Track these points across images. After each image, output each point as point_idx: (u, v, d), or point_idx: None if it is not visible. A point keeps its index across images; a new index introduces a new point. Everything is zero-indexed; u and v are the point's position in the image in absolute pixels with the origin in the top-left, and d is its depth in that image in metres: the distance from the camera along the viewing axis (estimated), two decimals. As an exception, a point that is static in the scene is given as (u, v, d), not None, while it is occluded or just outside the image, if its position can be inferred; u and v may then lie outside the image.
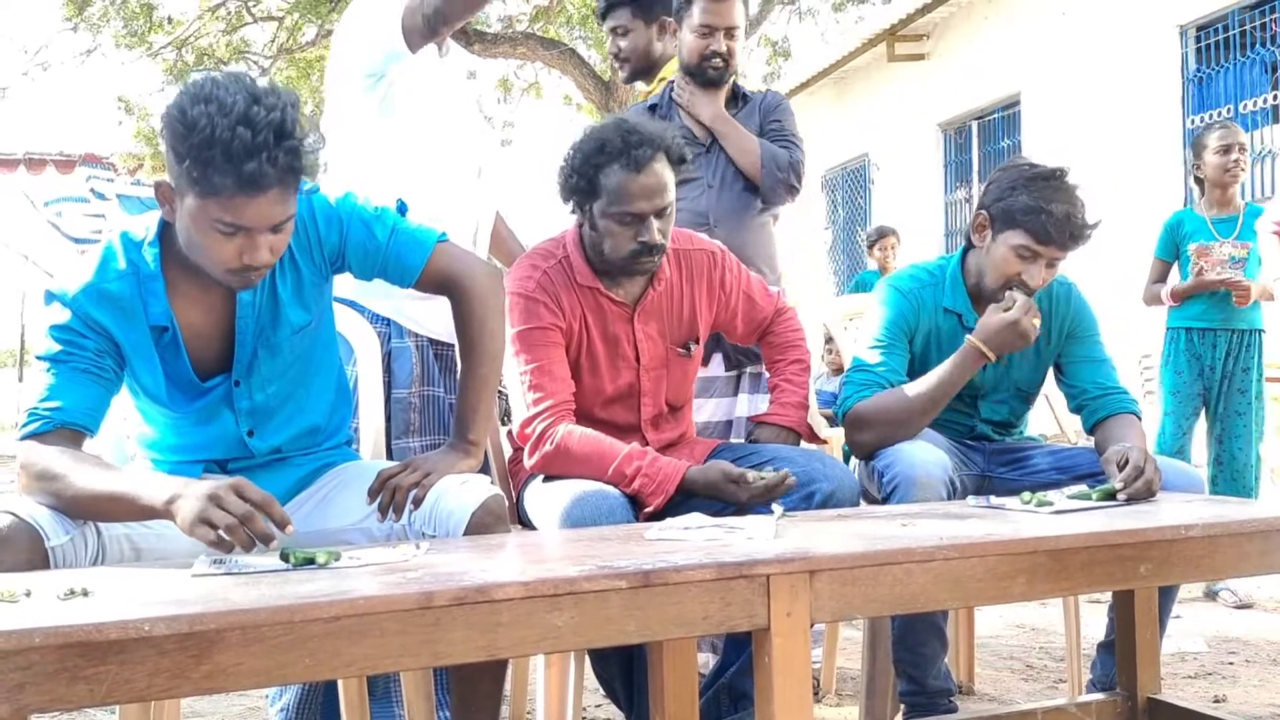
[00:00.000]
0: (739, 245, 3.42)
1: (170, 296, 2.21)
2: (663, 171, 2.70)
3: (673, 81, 3.75)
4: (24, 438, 2.09)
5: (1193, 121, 9.27)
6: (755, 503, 2.47)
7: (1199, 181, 4.98)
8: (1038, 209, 2.77)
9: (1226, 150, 4.81)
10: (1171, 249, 4.97)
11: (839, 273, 15.11)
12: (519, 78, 15.74)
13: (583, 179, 2.71)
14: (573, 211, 2.81)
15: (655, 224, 2.69)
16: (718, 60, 3.59)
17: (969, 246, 3.00)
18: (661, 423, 2.90)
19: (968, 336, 2.80)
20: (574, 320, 2.78)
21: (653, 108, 3.69)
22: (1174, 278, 4.99)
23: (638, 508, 2.58)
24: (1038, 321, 2.74)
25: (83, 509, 2.04)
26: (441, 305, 2.54)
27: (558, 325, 2.75)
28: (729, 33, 3.59)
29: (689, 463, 2.61)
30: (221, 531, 1.87)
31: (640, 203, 2.67)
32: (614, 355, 2.83)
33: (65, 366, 2.13)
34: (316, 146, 2.08)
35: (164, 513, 1.95)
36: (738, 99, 3.72)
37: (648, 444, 2.80)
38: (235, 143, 1.95)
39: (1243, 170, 4.86)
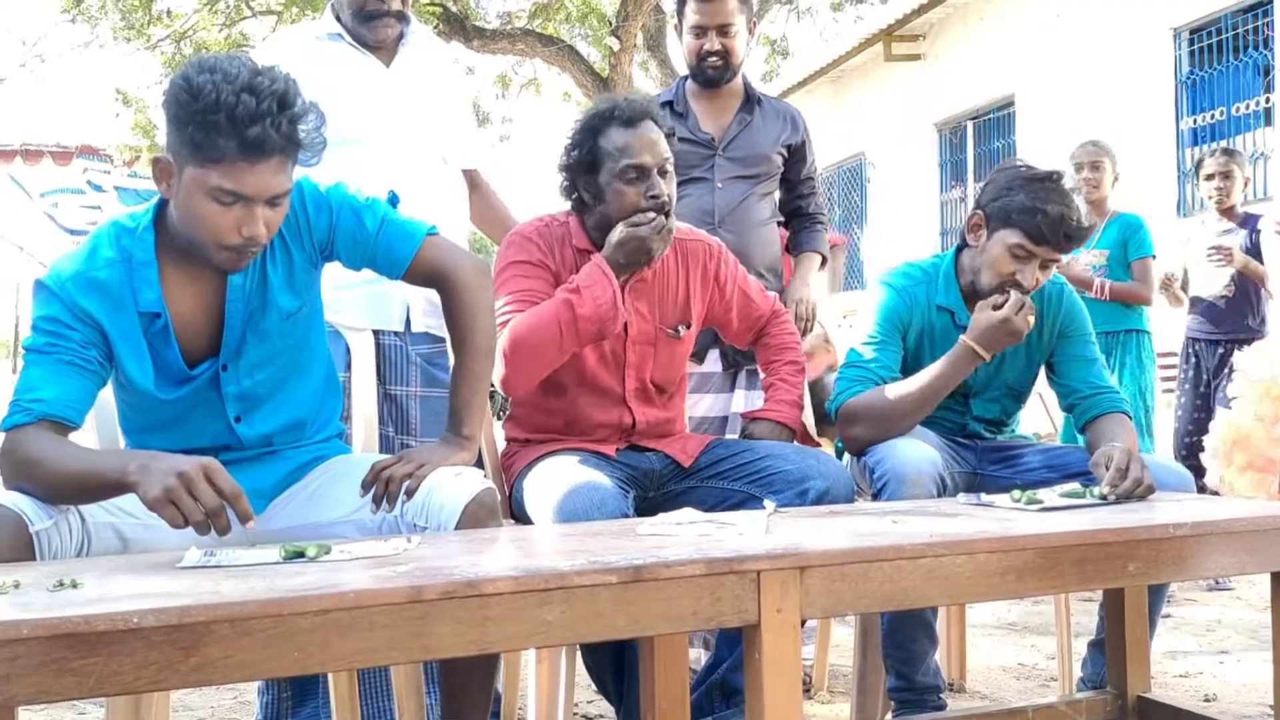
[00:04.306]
0: (744, 245, 3.43)
1: (162, 283, 2.21)
2: (657, 132, 2.76)
3: (686, 77, 3.76)
4: (6, 429, 2.10)
5: (1187, 123, 9.29)
6: None
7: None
8: (1034, 209, 2.79)
9: (1079, 168, 5.13)
10: None
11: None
12: (518, 74, 15.77)
13: (583, 150, 2.76)
14: (575, 207, 2.85)
15: (661, 182, 2.73)
16: (714, 59, 3.61)
17: (963, 245, 3.01)
18: (647, 399, 2.90)
19: (961, 336, 2.81)
20: (564, 273, 2.80)
21: (667, 104, 3.68)
22: None
23: (633, 498, 2.58)
24: (1032, 318, 2.77)
25: (57, 492, 2.04)
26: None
27: (546, 264, 2.79)
28: (722, 30, 3.59)
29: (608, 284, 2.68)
30: (185, 515, 1.86)
31: (645, 155, 2.72)
32: None
33: (50, 358, 2.12)
34: (317, 124, 2.11)
35: (127, 484, 1.93)
36: (751, 101, 3.72)
37: (634, 417, 2.85)
38: (240, 108, 1.99)
39: (1094, 187, 5.13)
